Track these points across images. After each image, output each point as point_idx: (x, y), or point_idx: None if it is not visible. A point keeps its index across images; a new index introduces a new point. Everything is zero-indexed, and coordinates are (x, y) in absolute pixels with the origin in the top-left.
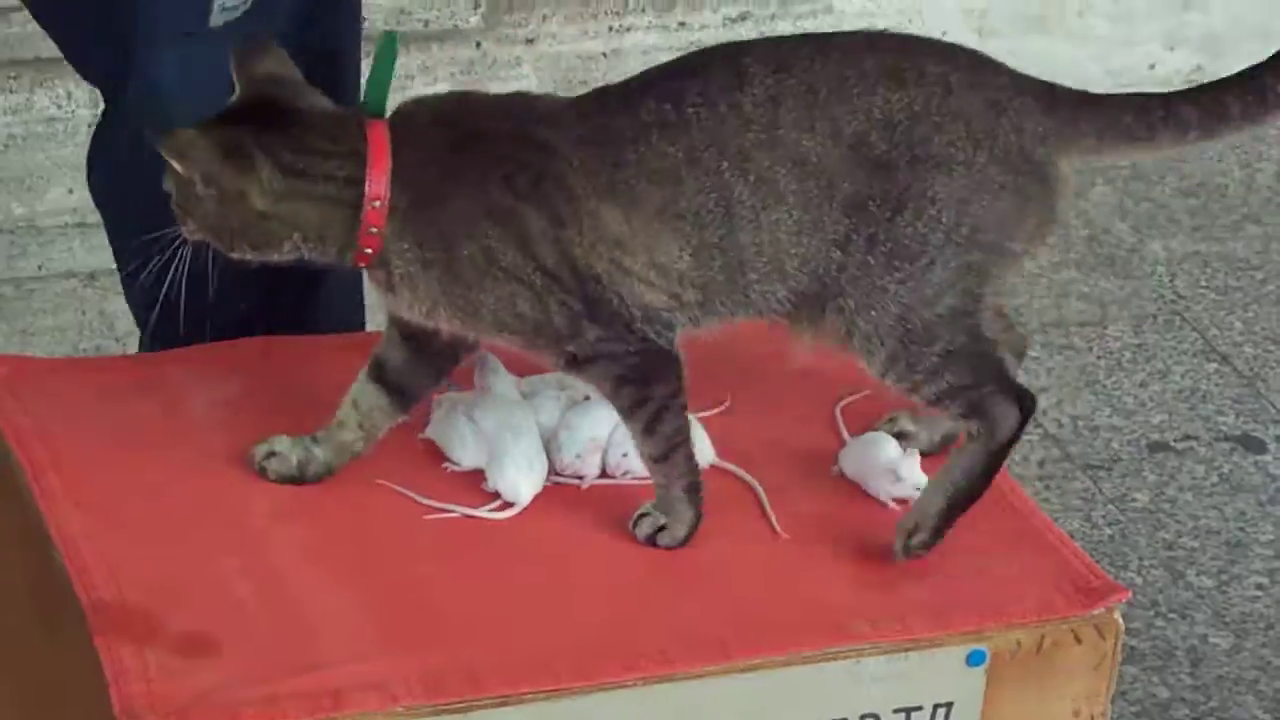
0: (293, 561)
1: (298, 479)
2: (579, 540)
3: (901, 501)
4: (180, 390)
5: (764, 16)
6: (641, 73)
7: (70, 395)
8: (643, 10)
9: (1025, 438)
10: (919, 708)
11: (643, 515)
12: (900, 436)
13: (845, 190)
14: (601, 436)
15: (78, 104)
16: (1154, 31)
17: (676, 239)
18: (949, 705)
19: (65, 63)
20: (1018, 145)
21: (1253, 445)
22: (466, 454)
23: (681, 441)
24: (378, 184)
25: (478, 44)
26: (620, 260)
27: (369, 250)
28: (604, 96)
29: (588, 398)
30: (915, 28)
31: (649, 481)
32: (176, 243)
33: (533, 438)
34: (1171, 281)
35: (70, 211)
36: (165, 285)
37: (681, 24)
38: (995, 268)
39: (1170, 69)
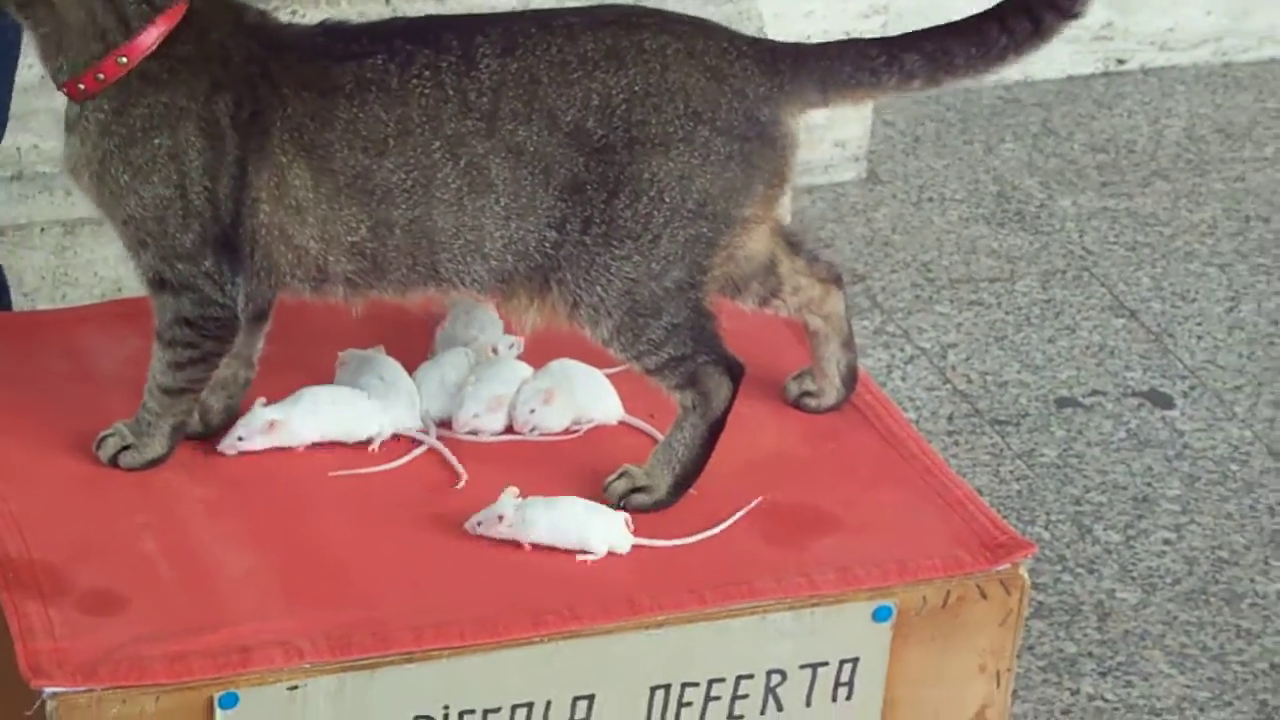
0: (200, 519)
1: (205, 433)
2: (487, 497)
3: None
4: (88, 348)
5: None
6: (389, 19)
7: (5, 349)
8: None
9: (933, 393)
10: (825, 663)
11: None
12: (805, 395)
13: (561, 176)
14: (506, 394)
15: None
16: None
17: (359, 213)
18: (855, 660)
19: None
20: (741, 111)
21: (1160, 400)
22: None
23: (197, 390)
24: (137, 47)
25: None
26: (285, 225)
27: (83, 88)
28: (345, 35)
29: (495, 351)
30: None
31: (560, 439)
32: None
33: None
34: (1080, 238)
35: None
36: None
37: None
38: (724, 237)
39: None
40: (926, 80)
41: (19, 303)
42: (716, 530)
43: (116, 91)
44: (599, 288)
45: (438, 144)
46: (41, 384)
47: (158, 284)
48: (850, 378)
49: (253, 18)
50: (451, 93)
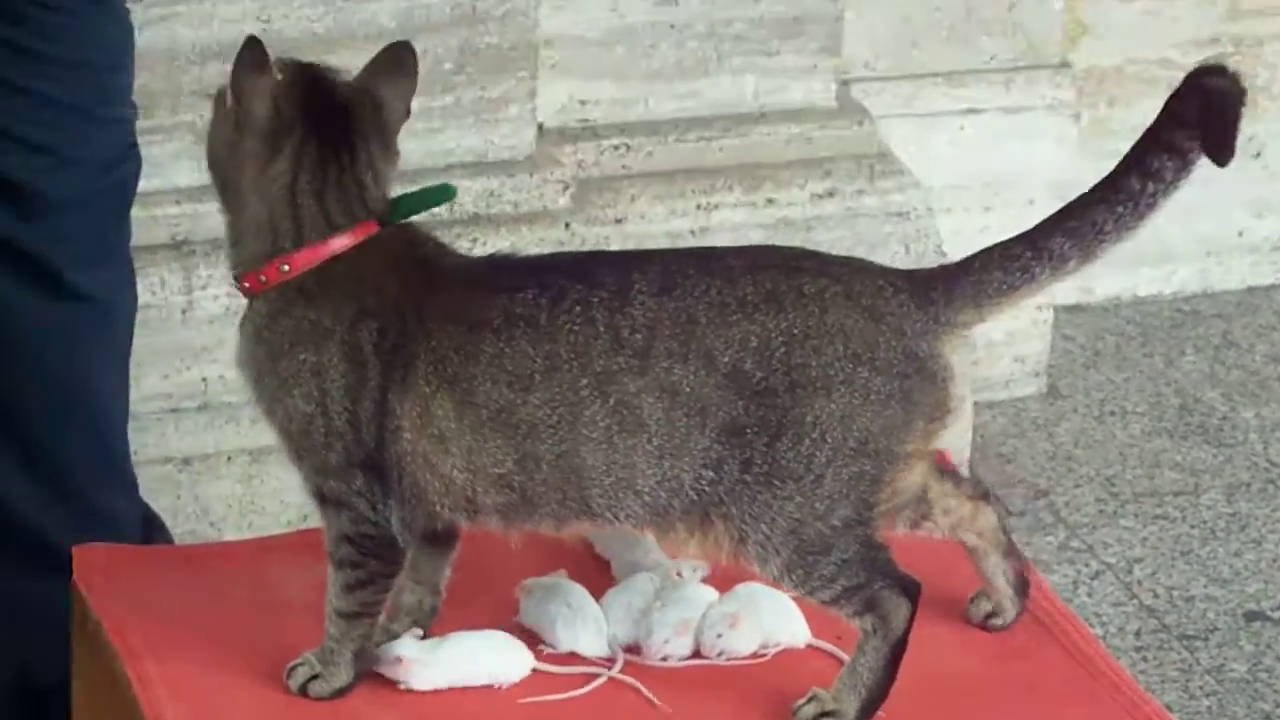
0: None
1: (348, 688)
2: None
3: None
4: (274, 577)
5: (851, 192)
6: (544, 255)
7: (167, 582)
8: (730, 188)
9: (1120, 609)
10: None
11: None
12: (989, 617)
13: (719, 418)
14: (692, 619)
15: (171, 291)
16: (1240, 198)
17: (504, 445)
18: None
19: (159, 251)
20: (900, 349)
21: None
22: (563, 635)
23: (373, 613)
24: (299, 259)
25: (567, 225)
26: (429, 454)
27: (248, 286)
28: (498, 268)
29: (680, 574)
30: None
31: (747, 662)
32: None
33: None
34: (1265, 450)
35: (164, 397)
36: None
37: (769, 200)
38: (888, 474)
39: (1259, 236)
40: (1081, 257)
41: (206, 532)
42: None
43: (275, 297)
44: (764, 525)
45: (586, 381)
46: (229, 613)
47: (319, 498)
48: (1021, 585)
49: (426, 249)
50: (602, 329)
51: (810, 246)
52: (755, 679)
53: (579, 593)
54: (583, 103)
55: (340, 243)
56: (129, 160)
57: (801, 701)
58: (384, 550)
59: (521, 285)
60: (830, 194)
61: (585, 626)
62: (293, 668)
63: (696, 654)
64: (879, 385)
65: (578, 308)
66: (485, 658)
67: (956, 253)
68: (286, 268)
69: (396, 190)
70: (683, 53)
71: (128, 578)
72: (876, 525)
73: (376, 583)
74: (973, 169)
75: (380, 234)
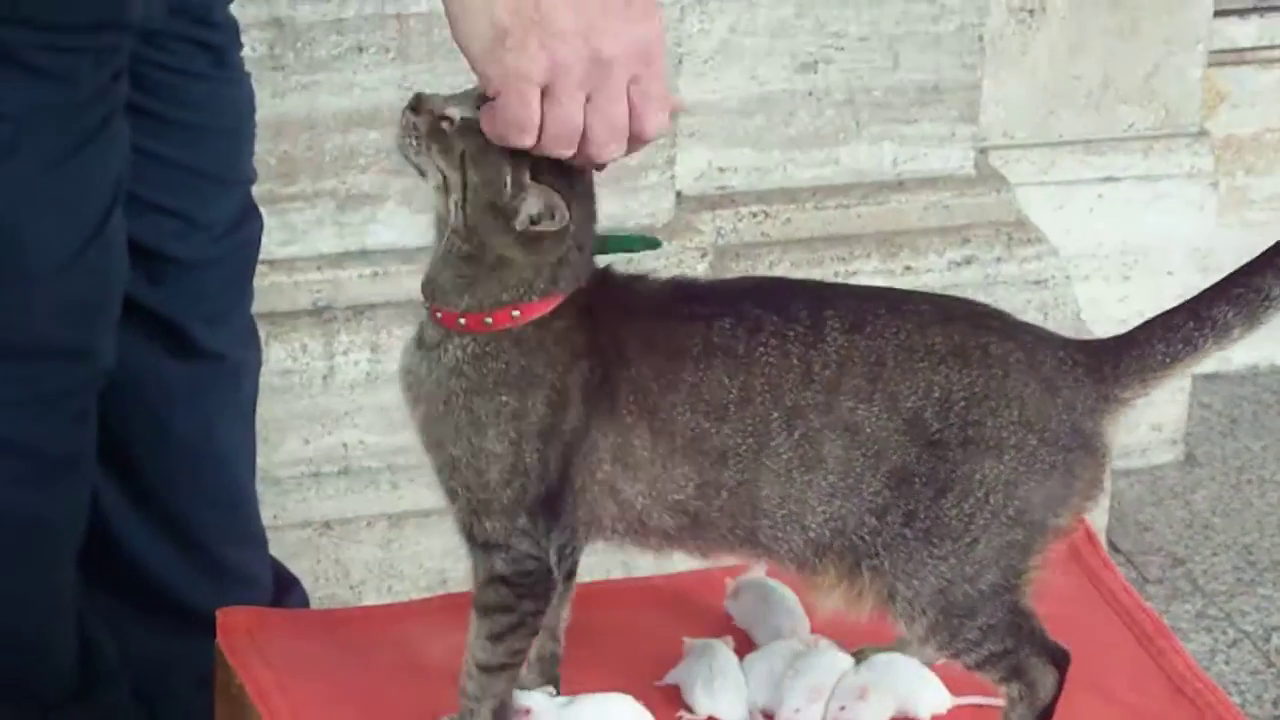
0: None
1: None
2: None
3: None
4: (415, 641)
5: (989, 259)
6: (730, 280)
7: (311, 647)
8: (868, 255)
9: (1258, 677)
10: None
11: None
12: None
13: (891, 462)
14: (824, 686)
15: (312, 356)
16: None
17: (690, 472)
18: None
19: (300, 316)
20: (1069, 424)
21: None
22: (702, 698)
23: (516, 664)
24: (533, 309)
25: None
26: (614, 481)
27: (464, 323)
28: (695, 295)
29: (817, 641)
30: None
31: None
32: None
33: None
34: None
35: (305, 462)
36: None
37: (907, 268)
38: (1039, 543)
39: None
40: (1246, 324)
41: (345, 596)
42: None
43: (487, 338)
44: (915, 582)
45: (776, 414)
46: (371, 677)
47: (471, 540)
48: None
49: (615, 278)
50: (796, 363)
51: None
52: None
53: (725, 655)
54: (721, 170)
55: (539, 308)
56: (252, 221)
57: None
58: (538, 586)
59: (718, 314)
60: (968, 261)
61: (725, 690)
62: None
63: None
64: (1044, 456)
65: (774, 340)
66: None
67: (1094, 321)
68: (517, 314)
69: None
70: (821, 120)
71: (270, 640)
72: (1024, 593)
73: (526, 624)
74: (1111, 237)
75: (589, 290)
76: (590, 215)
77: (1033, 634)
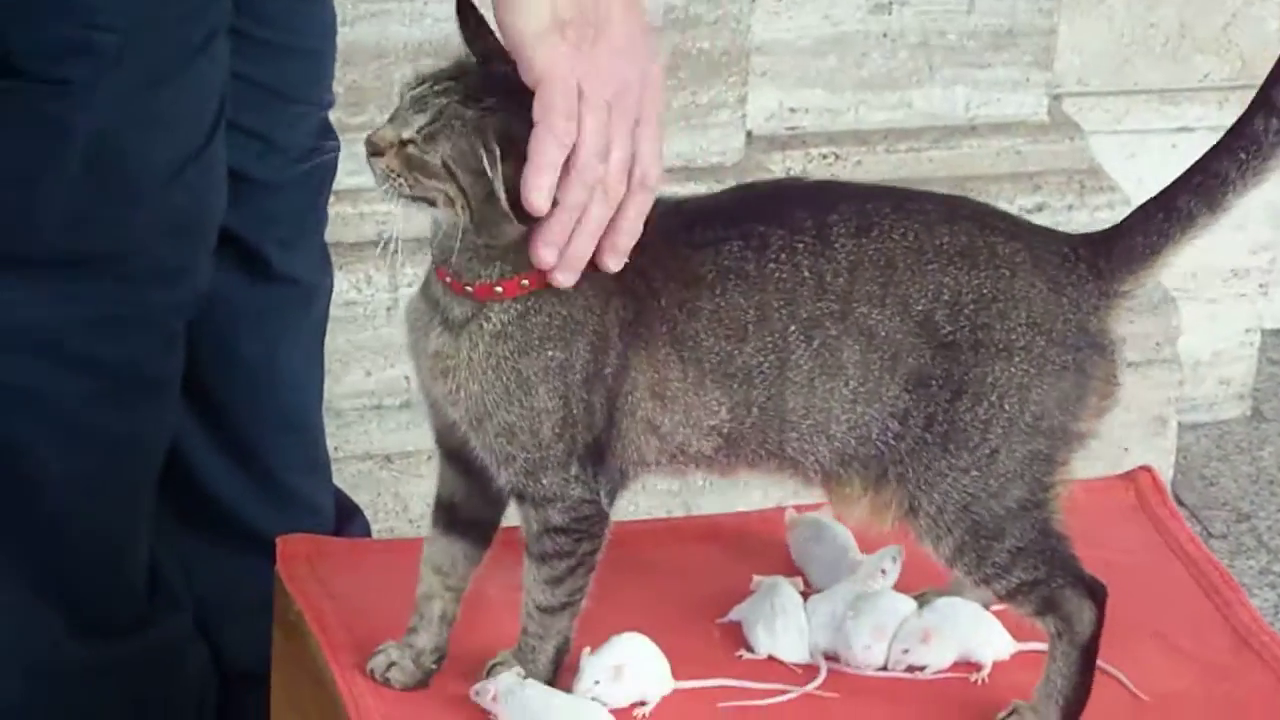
0: None
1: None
2: None
3: None
4: (478, 574)
5: (1061, 207)
6: (726, 195)
7: (370, 576)
8: None
9: None
10: None
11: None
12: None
13: (908, 365)
14: (888, 627)
15: (377, 288)
16: None
17: (721, 396)
18: None
19: (365, 248)
20: (1076, 323)
21: None
22: (763, 639)
23: (577, 601)
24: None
25: None
26: (651, 415)
27: (501, 290)
28: (689, 220)
29: (884, 571)
30: None
31: (952, 675)
32: None
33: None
34: None
35: (368, 394)
36: None
37: None
38: (1061, 452)
39: None
40: (1208, 211)
41: (404, 529)
42: None
43: (528, 296)
44: (938, 495)
45: (794, 327)
46: None
47: (522, 497)
48: None
49: None
50: (808, 275)
51: None
52: (955, 689)
53: (789, 595)
54: (793, 110)
55: None
56: (329, 144)
57: (1003, 714)
58: (595, 528)
59: (724, 237)
60: (1039, 208)
61: (787, 631)
62: (493, 665)
63: (883, 667)
64: (1054, 357)
65: (783, 254)
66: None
67: (1166, 270)
68: (526, 283)
69: None
70: (894, 62)
71: (330, 568)
72: (1054, 511)
73: (584, 564)
74: None
75: None
76: None
77: (1066, 563)
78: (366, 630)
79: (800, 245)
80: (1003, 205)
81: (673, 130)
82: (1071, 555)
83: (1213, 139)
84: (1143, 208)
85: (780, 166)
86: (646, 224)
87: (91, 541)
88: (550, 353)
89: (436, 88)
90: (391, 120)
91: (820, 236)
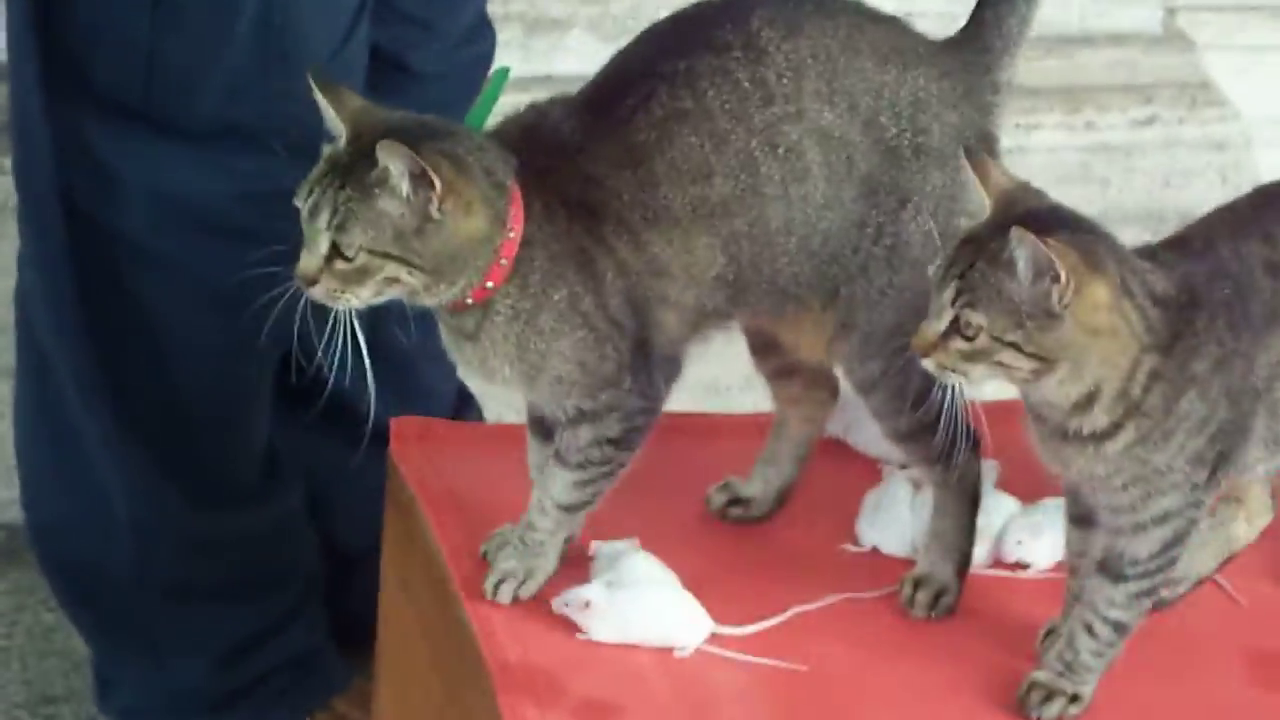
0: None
1: None
2: (980, 634)
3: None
4: None
5: (1172, 120)
6: (628, 52)
7: (478, 459)
8: (1050, 109)
9: None
10: None
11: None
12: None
13: (862, 169)
14: (993, 526)
15: None
16: None
17: (710, 240)
18: None
19: None
20: (982, 130)
21: None
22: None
23: (595, 502)
24: (518, 216)
25: None
26: (663, 290)
27: (491, 285)
28: (604, 98)
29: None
30: None
31: (1053, 575)
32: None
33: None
34: None
35: None
36: None
37: (1088, 124)
38: None
39: None
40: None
41: (512, 420)
42: None
43: (512, 273)
44: (875, 313)
45: (755, 140)
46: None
47: (580, 419)
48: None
49: (536, 127)
50: (750, 86)
51: (1128, 173)
52: (1056, 592)
53: (897, 490)
54: (909, 14)
55: (517, 205)
56: (485, 34)
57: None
58: (640, 437)
59: (649, 91)
60: (1150, 121)
61: (891, 524)
62: (496, 582)
63: (997, 563)
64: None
65: (718, 78)
66: (665, 618)
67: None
68: (512, 234)
69: None
70: None
71: (442, 452)
72: None
73: (614, 474)
74: None
75: (517, 161)
76: (459, 134)
77: (962, 408)
78: (477, 513)
79: (733, 62)
80: (1113, 116)
81: None
82: (964, 403)
83: None
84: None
85: None
86: (561, 126)
87: (216, 416)
88: (555, 296)
89: (318, 188)
90: (307, 248)
91: (750, 46)
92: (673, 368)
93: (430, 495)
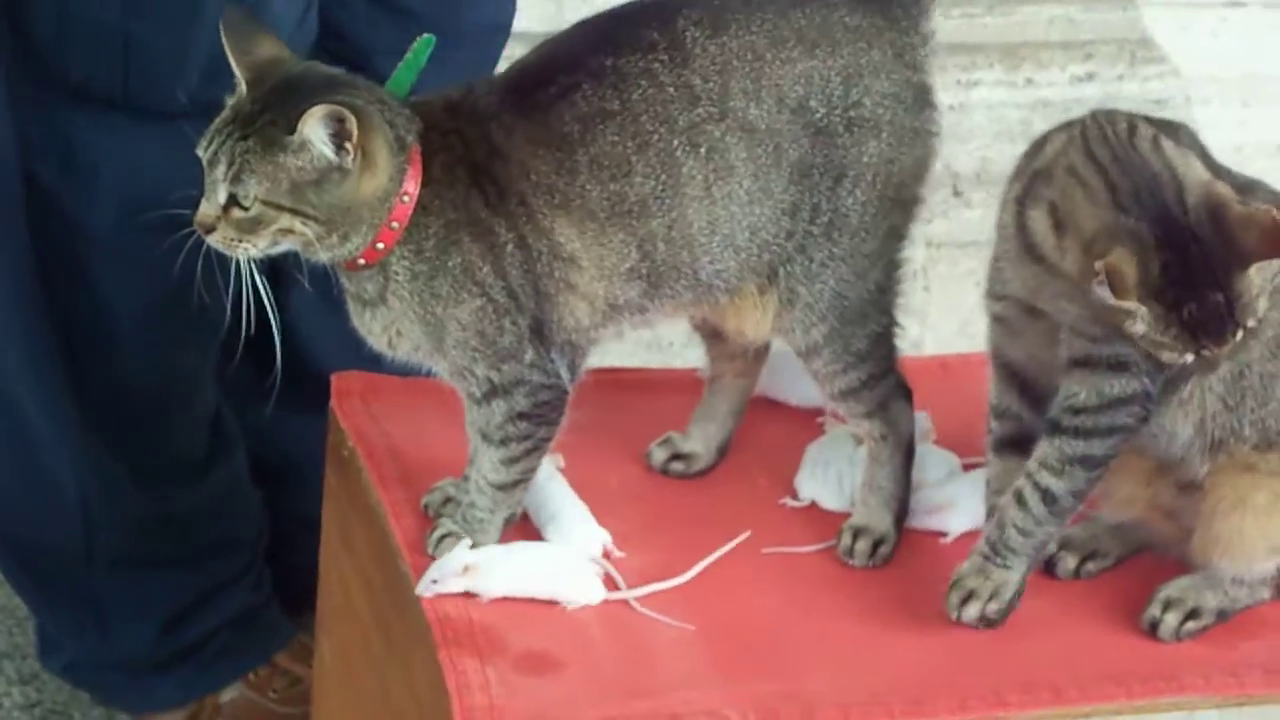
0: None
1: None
2: (913, 584)
3: None
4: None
5: (1111, 77)
6: (556, 42)
7: (420, 414)
8: (990, 65)
9: None
10: None
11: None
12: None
13: (791, 156)
14: (927, 480)
15: None
16: None
17: (625, 237)
18: None
19: None
20: (918, 84)
21: None
22: (806, 485)
23: (529, 478)
24: (414, 179)
25: None
26: (569, 277)
27: (381, 246)
28: (532, 81)
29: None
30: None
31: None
32: None
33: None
34: None
35: None
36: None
37: (1028, 80)
38: (907, 226)
39: None
40: None
41: None
42: None
43: (406, 236)
44: (817, 285)
45: (677, 140)
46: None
47: (489, 393)
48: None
49: (458, 103)
50: (675, 89)
51: None
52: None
53: (838, 445)
54: None
55: (415, 167)
56: (503, 31)
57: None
58: (554, 413)
59: (573, 84)
60: (1090, 77)
61: (829, 480)
62: (441, 538)
63: None
64: (908, 123)
65: (643, 80)
66: (555, 574)
67: (1212, 146)
68: (407, 197)
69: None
70: None
71: (384, 406)
72: (899, 296)
73: (540, 449)
74: (1233, 62)
75: (425, 126)
76: (371, 93)
77: (897, 368)
78: (419, 467)
79: (659, 64)
80: (1053, 72)
81: None
82: (895, 351)
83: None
84: None
85: None
86: (480, 100)
87: (165, 398)
88: (449, 262)
89: (219, 138)
90: (206, 196)
91: (675, 47)
92: (576, 354)
93: (371, 449)
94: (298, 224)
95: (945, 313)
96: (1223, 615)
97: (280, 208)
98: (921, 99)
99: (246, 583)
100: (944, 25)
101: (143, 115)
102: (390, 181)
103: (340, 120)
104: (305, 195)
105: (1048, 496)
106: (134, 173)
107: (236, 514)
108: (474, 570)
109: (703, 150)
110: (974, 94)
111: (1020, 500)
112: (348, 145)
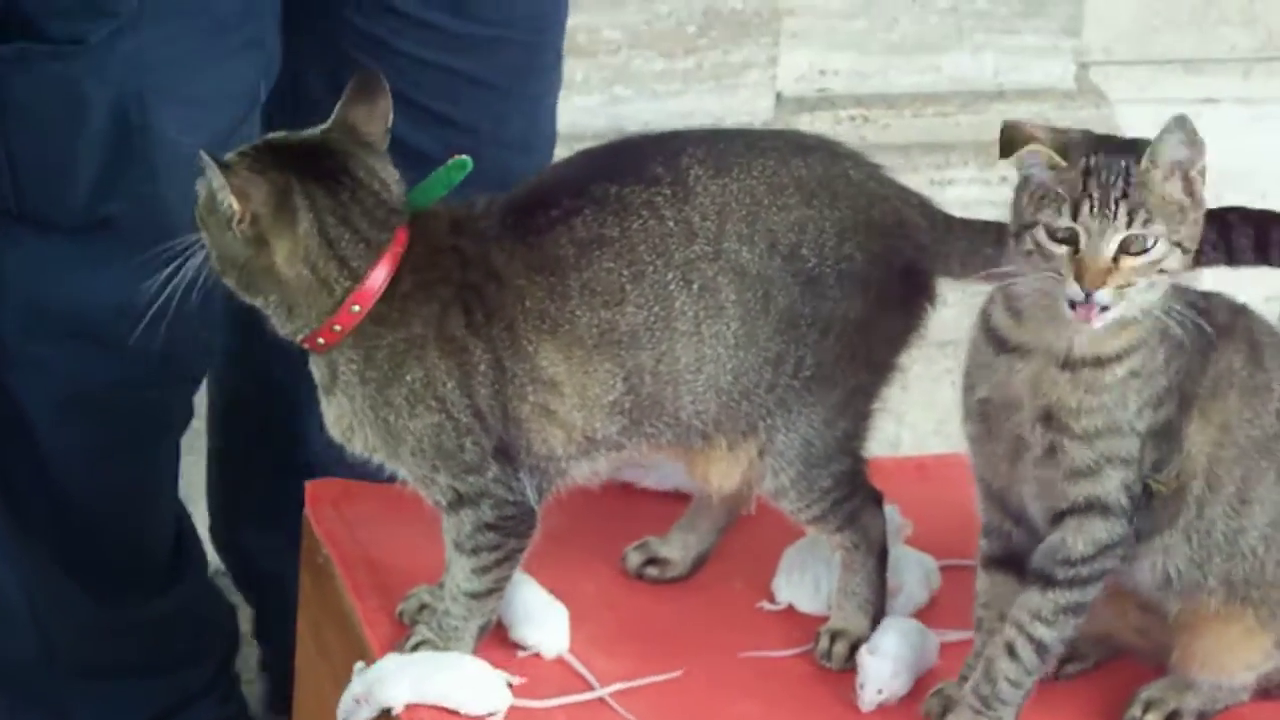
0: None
1: None
2: None
3: None
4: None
5: None
6: (561, 166)
7: (394, 522)
8: (965, 163)
9: None
10: None
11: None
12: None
13: (781, 303)
14: (904, 583)
15: None
16: None
17: (611, 367)
18: None
19: None
20: (912, 261)
21: None
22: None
23: (501, 588)
24: (367, 291)
25: None
26: (548, 403)
27: (323, 341)
28: (531, 204)
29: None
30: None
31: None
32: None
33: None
34: None
35: None
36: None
37: (1003, 179)
38: (880, 387)
39: None
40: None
41: None
42: None
43: (356, 340)
44: (791, 434)
45: (671, 275)
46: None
47: (455, 502)
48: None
49: (461, 218)
50: (674, 225)
51: None
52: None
53: (812, 549)
54: (822, 72)
55: (390, 258)
56: (541, 145)
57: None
58: (521, 526)
59: (575, 208)
60: None
61: (805, 584)
62: (416, 644)
63: None
64: (894, 292)
65: (645, 211)
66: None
67: None
68: (357, 308)
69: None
70: (924, 27)
71: (359, 514)
72: (865, 439)
73: (512, 559)
74: (1208, 159)
75: (417, 228)
76: (341, 190)
77: (866, 482)
78: (393, 575)
79: (661, 198)
80: None
81: (703, 89)
82: (868, 475)
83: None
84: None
85: (809, 128)
86: (481, 220)
87: (111, 513)
88: (408, 375)
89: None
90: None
91: (679, 183)
92: (544, 480)
93: (345, 557)
94: (215, 262)
95: (922, 411)
96: (1203, 716)
97: (222, 273)
98: (914, 280)
99: (217, 694)
100: (916, 124)
101: (43, 226)
102: (314, 275)
103: (224, 189)
104: (222, 236)
105: (1040, 648)
106: (38, 285)
107: (204, 625)
108: (365, 696)
109: (695, 287)
110: (948, 192)
111: (1012, 653)
112: (235, 213)
